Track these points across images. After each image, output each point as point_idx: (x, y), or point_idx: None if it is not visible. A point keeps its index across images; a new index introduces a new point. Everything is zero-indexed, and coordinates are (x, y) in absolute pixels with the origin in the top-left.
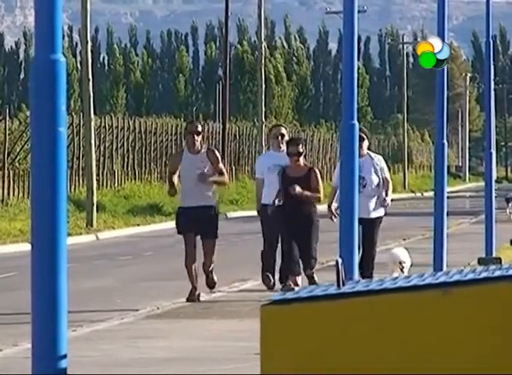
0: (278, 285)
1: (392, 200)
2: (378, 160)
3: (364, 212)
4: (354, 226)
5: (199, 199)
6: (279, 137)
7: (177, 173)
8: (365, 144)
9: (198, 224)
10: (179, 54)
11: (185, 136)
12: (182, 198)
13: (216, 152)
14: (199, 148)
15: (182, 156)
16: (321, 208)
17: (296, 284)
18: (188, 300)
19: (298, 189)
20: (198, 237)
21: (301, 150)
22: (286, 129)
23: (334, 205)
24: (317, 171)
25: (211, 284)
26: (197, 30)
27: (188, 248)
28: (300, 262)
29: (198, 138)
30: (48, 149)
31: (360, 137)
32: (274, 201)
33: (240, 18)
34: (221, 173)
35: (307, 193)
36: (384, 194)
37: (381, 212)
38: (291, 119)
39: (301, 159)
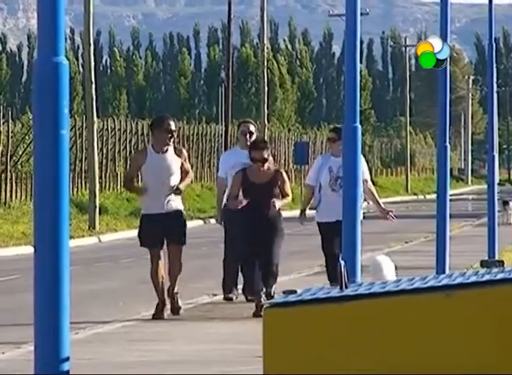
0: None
1: (394, 202)
2: None
3: (341, 214)
4: (357, 228)
5: (166, 204)
6: (247, 135)
7: (134, 176)
8: None
9: (165, 232)
10: (181, 56)
11: (153, 133)
12: (146, 204)
13: (184, 151)
14: (168, 147)
15: (146, 156)
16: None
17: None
18: (154, 317)
19: (278, 204)
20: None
21: (266, 156)
22: (254, 126)
23: (308, 211)
24: (284, 173)
25: (175, 310)
26: (199, 32)
27: (154, 260)
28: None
29: (172, 138)
30: (51, 152)
31: (341, 138)
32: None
33: (243, 20)
34: (186, 173)
35: (281, 203)
36: (375, 202)
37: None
38: (294, 122)
39: (266, 165)
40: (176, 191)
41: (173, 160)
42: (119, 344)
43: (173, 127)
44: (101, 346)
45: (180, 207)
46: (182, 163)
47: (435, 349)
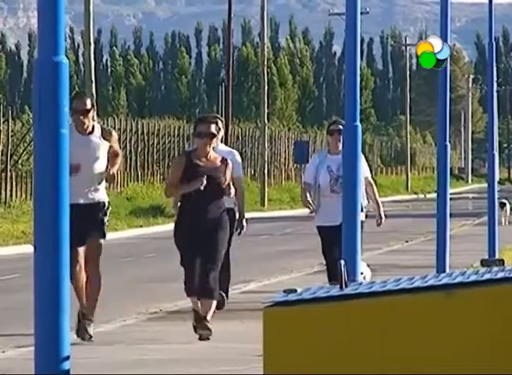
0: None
1: (394, 201)
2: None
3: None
4: (357, 227)
5: (88, 194)
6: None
7: None
8: None
9: (85, 226)
10: (180, 55)
11: (72, 115)
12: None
13: (113, 132)
14: (90, 128)
15: (69, 136)
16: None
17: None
18: (78, 332)
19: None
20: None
21: (214, 131)
22: (222, 121)
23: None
24: (230, 164)
25: (82, 332)
26: (200, 31)
27: (73, 264)
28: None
29: (88, 117)
30: (51, 151)
31: (340, 131)
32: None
33: (245, 19)
34: (116, 156)
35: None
36: (375, 202)
37: (361, 216)
38: (294, 121)
39: (214, 143)
40: (109, 176)
41: (99, 143)
42: (119, 343)
43: (87, 107)
44: (100, 345)
45: (104, 198)
46: (110, 146)
47: (435, 348)
